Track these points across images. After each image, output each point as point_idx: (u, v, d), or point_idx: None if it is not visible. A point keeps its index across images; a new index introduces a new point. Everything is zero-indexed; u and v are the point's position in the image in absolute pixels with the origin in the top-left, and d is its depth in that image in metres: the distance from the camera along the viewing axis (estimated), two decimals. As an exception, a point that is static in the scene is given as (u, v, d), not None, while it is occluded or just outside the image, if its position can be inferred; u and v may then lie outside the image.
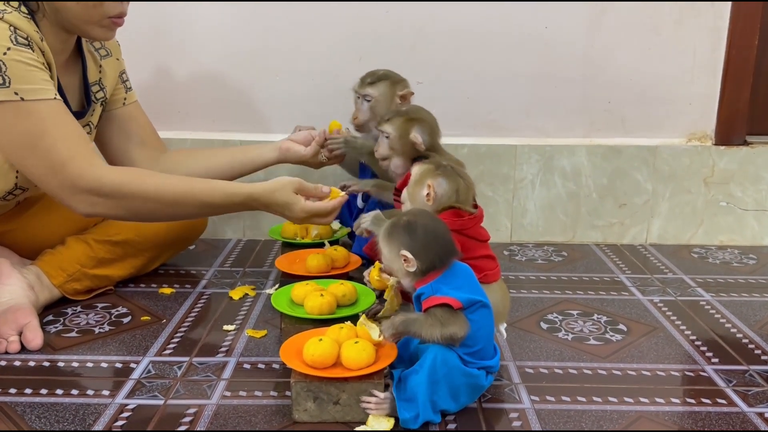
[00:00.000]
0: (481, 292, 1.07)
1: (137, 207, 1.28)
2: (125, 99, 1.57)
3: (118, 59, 1.55)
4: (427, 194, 1.20)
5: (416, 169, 1.25)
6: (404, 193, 1.26)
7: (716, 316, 1.49)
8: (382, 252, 1.09)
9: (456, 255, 1.08)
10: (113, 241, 1.52)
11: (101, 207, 1.26)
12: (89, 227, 1.56)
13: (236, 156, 1.62)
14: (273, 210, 1.35)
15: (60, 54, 1.32)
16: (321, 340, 1.08)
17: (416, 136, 1.44)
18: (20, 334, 1.29)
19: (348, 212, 1.78)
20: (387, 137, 1.48)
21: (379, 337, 1.07)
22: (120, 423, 1.06)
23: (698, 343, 1.36)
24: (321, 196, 1.37)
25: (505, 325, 1.29)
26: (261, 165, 1.62)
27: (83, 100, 1.44)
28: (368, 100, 1.62)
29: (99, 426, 1.05)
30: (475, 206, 1.25)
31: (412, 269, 1.05)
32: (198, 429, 1.04)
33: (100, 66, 1.48)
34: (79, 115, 1.40)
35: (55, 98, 1.24)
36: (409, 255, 1.04)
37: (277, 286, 1.59)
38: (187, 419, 1.07)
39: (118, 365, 1.24)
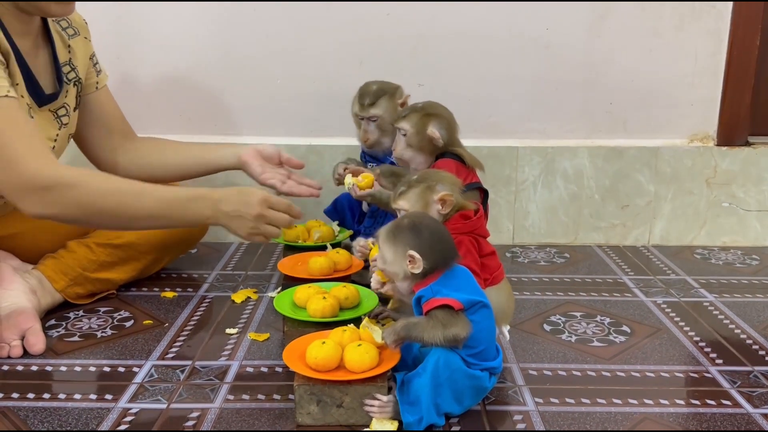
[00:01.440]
0: (481, 293, 1.07)
1: (91, 203, 1.23)
2: (97, 83, 1.56)
3: (86, 38, 1.52)
4: (443, 203, 1.19)
5: (404, 203, 1.21)
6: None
7: (720, 317, 1.49)
8: (384, 254, 1.08)
9: (457, 257, 1.08)
10: (115, 244, 1.52)
11: (53, 207, 1.22)
12: (90, 231, 1.56)
13: (199, 153, 1.61)
14: (225, 212, 1.29)
15: (24, 37, 1.30)
16: (324, 343, 1.07)
17: (434, 131, 1.41)
18: (23, 338, 1.29)
19: (351, 216, 1.77)
20: (404, 134, 1.44)
21: (382, 339, 1.07)
22: (123, 427, 1.05)
23: (702, 344, 1.36)
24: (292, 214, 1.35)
25: (508, 327, 1.29)
26: (219, 167, 1.60)
27: (55, 82, 1.42)
28: (374, 120, 1.61)
29: (102, 430, 1.04)
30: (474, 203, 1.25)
31: (417, 270, 1.05)
32: (201, 433, 1.04)
33: (69, 46, 1.46)
34: (52, 97, 1.39)
35: (7, 95, 1.22)
36: (417, 255, 1.04)
37: (279, 289, 1.59)
38: (190, 423, 1.07)
39: (121, 369, 1.24)
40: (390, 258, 1.07)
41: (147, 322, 1.43)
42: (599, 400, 1.14)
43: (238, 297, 1.55)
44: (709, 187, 1.94)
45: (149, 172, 1.55)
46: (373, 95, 1.61)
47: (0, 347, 1.27)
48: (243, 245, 1.95)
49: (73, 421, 1.07)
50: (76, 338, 1.35)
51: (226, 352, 1.30)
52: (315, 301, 1.31)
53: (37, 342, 1.28)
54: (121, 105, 1.92)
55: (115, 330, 1.39)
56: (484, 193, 1.45)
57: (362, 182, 1.51)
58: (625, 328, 1.42)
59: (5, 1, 1.27)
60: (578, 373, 1.23)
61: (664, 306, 1.54)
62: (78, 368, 1.24)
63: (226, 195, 1.30)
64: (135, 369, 1.24)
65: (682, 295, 1.60)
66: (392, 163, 1.66)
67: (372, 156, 1.71)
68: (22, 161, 1.20)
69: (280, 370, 1.24)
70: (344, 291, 1.36)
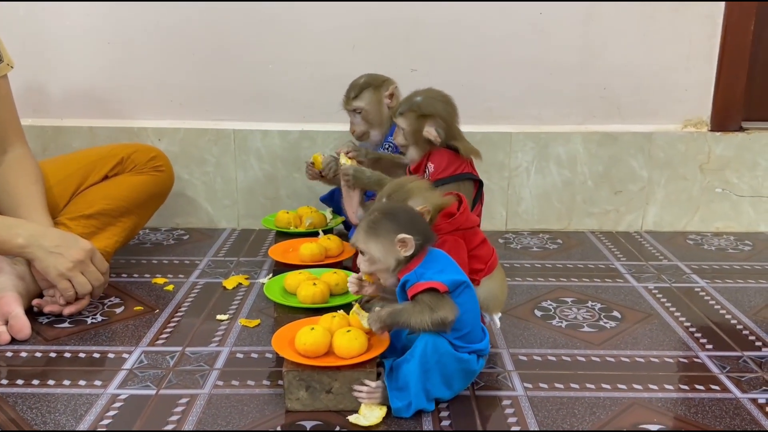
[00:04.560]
0: (462, 273, 1.06)
1: None
2: None
3: None
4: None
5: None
6: None
7: (711, 302, 1.49)
8: (371, 254, 1.06)
9: (435, 235, 1.09)
10: (86, 215, 1.52)
11: None
12: (59, 210, 1.54)
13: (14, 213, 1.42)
14: (43, 245, 1.31)
15: None
16: (313, 329, 1.07)
17: (430, 131, 1.40)
18: (6, 324, 1.28)
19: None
20: (402, 130, 1.45)
21: (368, 325, 1.07)
22: (112, 413, 1.05)
23: (692, 329, 1.36)
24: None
25: (499, 314, 1.29)
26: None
27: None
28: (359, 113, 1.65)
29: (91, 416, 1.04)
30: (454, 194, 1.23)
31: (410, 251, 1.04)
32: (190, 418, 1.04)
33: None
34: None
35: None
36: (407, 235, 1.03)
37: (270, 275, 1.59)
38: (179, 409, 1.06)
39: (111, 355, 1.23)
40: (378, 253, 1.05)
41: (137, 308, 1.43)
42: (588, 386, 1.14)
43: (230, 283, 1.55)
44: (703, 172, 1.94)
45: None
46: (358, 88, 1.64)
47: None
48: (235, 231, 1.95)
49: (62, 407, 1.07)
50: (66, 324, 1.35)
51: (216, 338, 1.30)
52: (305, 287, 1.31)
53: (22, 327, 1.28)
54: (112, 91, 1.93)
55: (105, 316, 1.39)
56: (479, 184, 1.44)
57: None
58: (615, 313, 1.42)
59: None
60: (568, 359, 1.23)
61: (656, 291, 1.54)
62: (67, 354, 1.24)
63: (51, 231, 1.35)
64: (125, 355, 1.23)
65: (673, 281, 1.60)
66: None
67: None
68: None
69: (270, 356, 1.23)
70: (334, 277, 1.36)
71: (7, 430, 1.01)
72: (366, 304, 1.24)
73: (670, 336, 1.33)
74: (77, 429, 1.01)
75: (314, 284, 1.31)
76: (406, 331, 1.08)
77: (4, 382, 1.14)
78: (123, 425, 1.02)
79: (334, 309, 1.20)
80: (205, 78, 1.92)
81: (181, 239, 1.87)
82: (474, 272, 1.21)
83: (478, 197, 1.42)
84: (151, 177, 1.66)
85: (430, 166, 1.40)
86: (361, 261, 1.08)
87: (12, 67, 1.51)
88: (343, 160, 1.49)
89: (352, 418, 1.03)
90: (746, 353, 1.26)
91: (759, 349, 1.28)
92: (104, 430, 1.01)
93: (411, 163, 1.47)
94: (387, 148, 1.65)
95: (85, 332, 1.32)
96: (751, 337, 1.33)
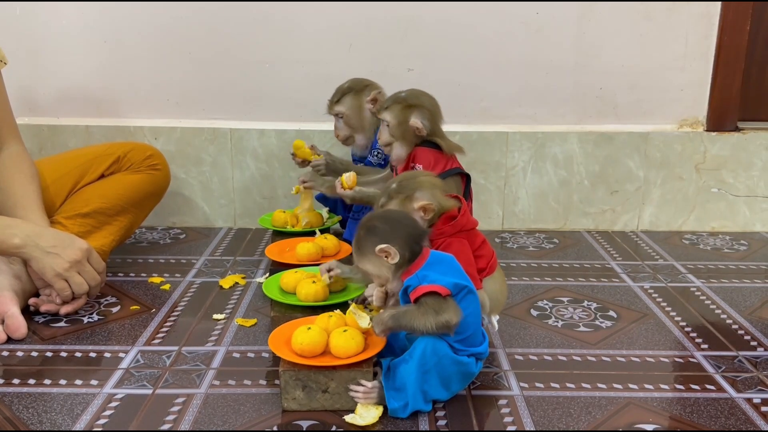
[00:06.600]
0: (467, 278, 1.06)
1: None
2: None
3: None
4: (425, 211, 1.17)
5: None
6: None
7: (707, 302, 1.50)
8: (366, 269, 1.08)
9: (426, 231, 1.08)
10: (83, 213, 1.52)
11: None
12: (55, 208, 1.54)
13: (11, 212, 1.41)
14: (40, 245, 1.30)
15: None
16: (309, 328, 1.07)
17: (416, 122, 1.41)
18: (2, 323, 1.28)
19: (342, 204, 1.77)
20: (387, 125, 1.45)
21: (368, 325, 1.07)
22: (108, 413, 1.05)
23: (688, 329, 1.36)
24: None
25: (497, 317, 1.29)
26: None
27: None
28: (341, 117, 1.67)
29: (87, 416, 1.04)
30: (454, 196, 1.24)
31: (396, 259, 1.04)
32: (186, 418, 1.04)
33: None
34: None
35: None
36: (385, 245, 1.03)
37: (267, 274, 1.59)
38: (175, 408, 1.06)
39: (107, 355, 1.23)
40: (371, 268, 1.07)
41: (134, 307, 1.43)
42: (584, 385, 1.14)
43: (226, 282, 1.55)
44: (699, 172, 1.94)
45: None
46: (340, 93, 1.66)
47: None
48: (232, 230, 1.95)
49: (58, 407, 1.07)
50: (62, 324, 1.35)
51: (212, 338, 1.30)
52: (305, 285, 1.31)
53: (19, 326, 1.28)
54: (108, 90, 1.92)
55: (101, 315, 1.39)
56: (467, 178, 1.44)
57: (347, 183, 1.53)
58: (611, 313, 1.43)
59: None
60: (564, 358, 1.24)
61: (652, 291, 1.54)
62: (64, 354, 1.24)
63: (47, 231, 1.34)
64: (121, 354, 1.23)
65: (669, 281, 1.61)
66: (369, 162, 1.68)
67: (359, 157, 1.73)
68: None
69: (266, 355, 1.23)
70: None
71: (4, 429, 1.01)
72: (363, 303, 1.24)
73: (665, 336, 1.33)
74: (73, 429, 1.01)
75: (314, 282, 1.31)
76: (408, 332, 1.08)
77: (1, 381, 1.14)
78: (119, 425, 1.02)
79: (332, 307, 1.20)
80: (201, 77, 1.92)
81: (177, 238, 1.87)
82: (478, 272, 1.22)
83: (467, 192, 1.43)
84: (148, 176, 1.66)
85: (418, 167, 1.40)
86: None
87: (6, 63, 1.50)
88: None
89: (349, 418, 1.03)
90: (741, 353, 1.27)
91: (754, 348, 1.28)
92: (100, 429, 1.01)
93: (397, 164, 1.47)
94: (376, 155, 1.67)
95: (81, 331, 1.32)
96: (747, 337, 1.33)
